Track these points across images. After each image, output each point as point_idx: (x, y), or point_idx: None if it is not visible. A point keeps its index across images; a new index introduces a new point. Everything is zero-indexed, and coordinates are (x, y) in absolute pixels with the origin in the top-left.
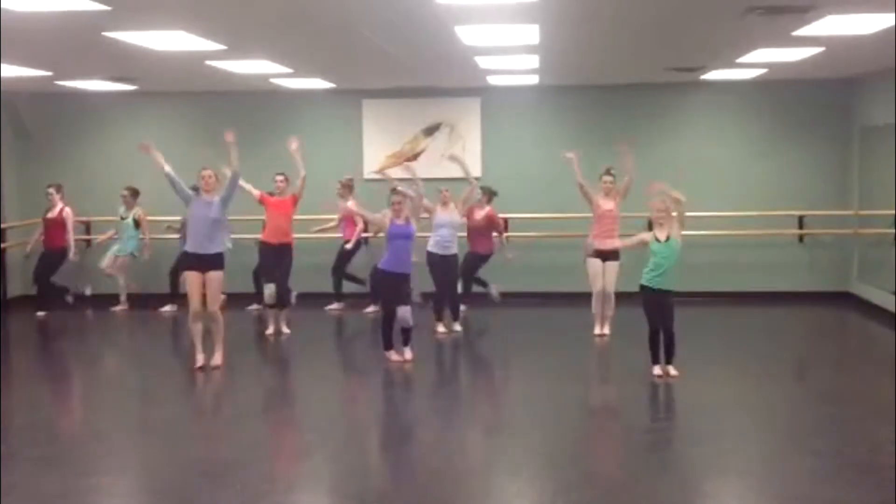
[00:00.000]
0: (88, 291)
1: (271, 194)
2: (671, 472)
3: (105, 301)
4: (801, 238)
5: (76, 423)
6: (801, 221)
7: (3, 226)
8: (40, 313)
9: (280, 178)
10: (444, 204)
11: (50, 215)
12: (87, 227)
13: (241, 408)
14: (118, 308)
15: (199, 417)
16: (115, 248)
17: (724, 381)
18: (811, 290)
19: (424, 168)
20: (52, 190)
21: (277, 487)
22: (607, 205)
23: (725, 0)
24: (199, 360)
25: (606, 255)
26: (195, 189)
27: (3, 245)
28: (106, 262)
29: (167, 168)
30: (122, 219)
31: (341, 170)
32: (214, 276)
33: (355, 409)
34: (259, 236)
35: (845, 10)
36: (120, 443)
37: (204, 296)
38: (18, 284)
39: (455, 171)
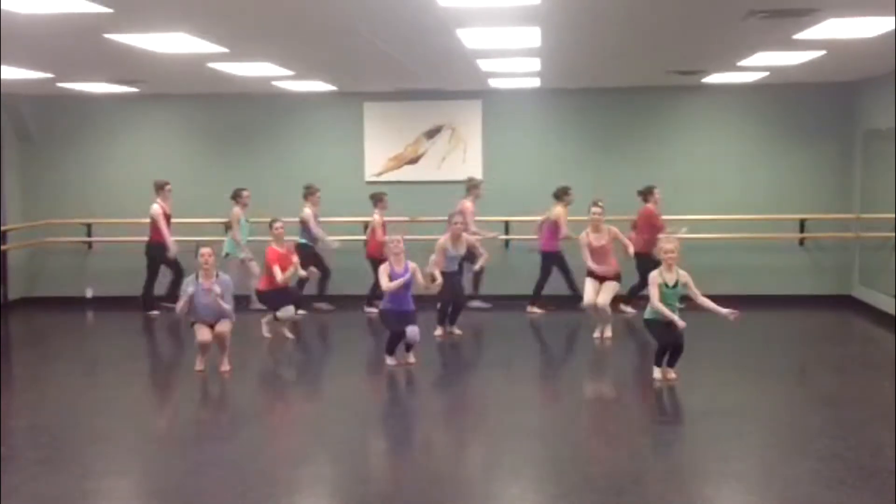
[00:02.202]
0: (90, 294)
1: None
2: (672, 476)
3: (106, 303)
4: (802, 241)
5: (77, 426)
6: (802, 225)
7: (4, 228)
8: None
9: (279, 224)
10: (456, 238)
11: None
12: (89, 230)
13: (242, 410)
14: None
15: (200, 420)
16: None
17: (725, 384)
18: (812, 293)
19: (425, 171)
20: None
21: (279, 490)
22: (599, 241)
23: (727, 3)
24: (200, 365)
25: (604, 277)
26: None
27: (4, 247)
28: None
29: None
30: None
31: (343, 172)
32: (226, 324)
33: (356, 412)
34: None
35: (846, 14)
36: (121, 445)
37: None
38: (20, 286)
39: (455, 174)
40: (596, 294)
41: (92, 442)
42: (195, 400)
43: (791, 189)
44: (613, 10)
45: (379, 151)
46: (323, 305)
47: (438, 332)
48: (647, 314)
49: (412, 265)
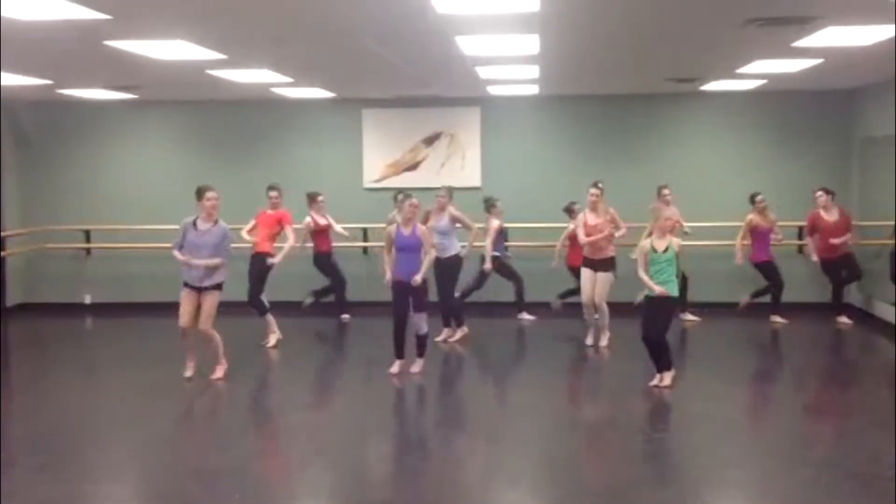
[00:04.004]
0: (88, 300)
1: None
2: (670, 484)
3: (104, 310)
4: (800, 249)
5: (75, 431)
6: (800, 232)
7: (3, 233)
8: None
9: (274, 193)
10: (440, 209)
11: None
12: (87, 236)
13: (240, 415)
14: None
15: (198, 425)
16: None
17: (722, 391)
18: (811, 300)
19: (424, 178)
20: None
21: (277, 495)
22: (593, 220)
23: (725, 11)
24: (189, 370)
25: (597, 266)
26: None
27: (3, 253)
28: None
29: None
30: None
31: (342, 179)
32: (210, 295)
33: (355, 418)
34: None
35: (845, 22)
36: (120, 451)
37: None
38: (18, 292)
39: (454, 181)
40: (591, 289)
41: (90, 448)
42: (194, 405)
43: (789, 196)
44: (612, 18)
45: (378, 158)
46: (524, 315)
47: (441, 336)
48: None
49: (421, 228)
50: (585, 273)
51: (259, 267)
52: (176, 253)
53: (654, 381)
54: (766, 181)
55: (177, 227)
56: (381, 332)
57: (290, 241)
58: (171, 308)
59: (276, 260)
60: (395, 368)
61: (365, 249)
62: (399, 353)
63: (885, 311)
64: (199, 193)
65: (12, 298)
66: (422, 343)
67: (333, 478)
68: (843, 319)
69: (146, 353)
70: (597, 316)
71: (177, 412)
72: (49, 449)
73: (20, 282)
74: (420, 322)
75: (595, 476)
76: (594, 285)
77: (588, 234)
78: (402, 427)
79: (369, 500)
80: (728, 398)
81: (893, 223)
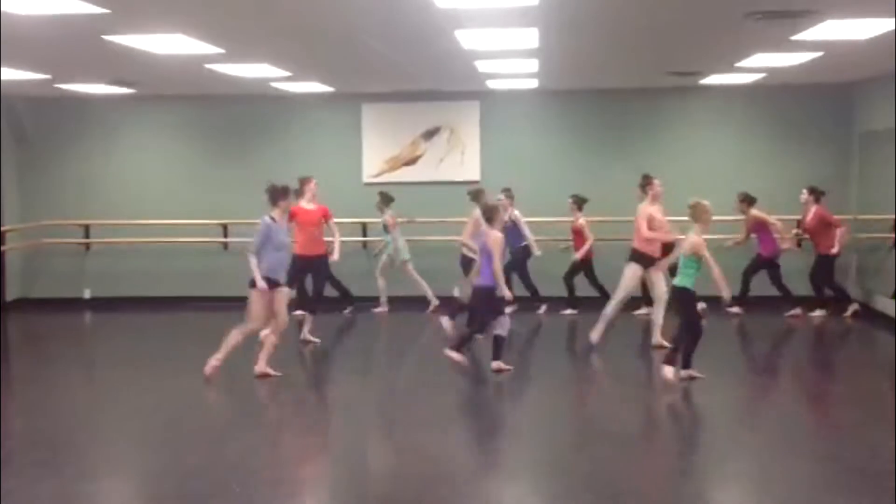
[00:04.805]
0: (88, 295)
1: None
2: (670, 478)
3: (104, 305)
4: (799, 244)
5: (75, 428)
6: (799, 226)
7: (2, 229)
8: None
9: (314, 182)
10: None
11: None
12: (87, 231)
13: (243, 412)
14: (378, 310)
15: (199, 422)
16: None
17: (722, 386)
18: (809, 294)
19: (423, 172)
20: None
21: (279, 492)
22: (659, 214)
23: (724, 5)
24: (214, 371)
25: (648, 263)
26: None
27: (2, 248)
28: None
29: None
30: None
31: (340, 174)
32: (286, 290)
33: (357, 414)
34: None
35: (844, 15)
36: (120, 447)
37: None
38: (17, 288)
39: (453, 176)
40: (632, 289)
41: (90, 444)
42: (194, 401)
43: (788, 190)
44: (611, 12)
45: (377, 153)
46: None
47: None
48: (689, 284)
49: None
50: (638, 272)
51: (325, 270)
52: (252, 259)
53: (683, 374)
54: (766, 175)
55: (177, 222)
56: (386, 328)
57: (337, 235)
58: (171, 303)
59: (336, 257)
60: (455, 356)
61: (364, 244)
62: (460, 346)
63: (886, 305)
64: (285, 192)
65: (12, 293)
66: (499, 345)
67: (334, 474)
68: (847, 314)
69: (146, 349)
70: (644, 311)
71: (177, 407)
72: (48, 445)
73: (19, 277)
74: (503, 323)
75: (595, 470)
76: (656, 285)
77: (660, 228)
78: (405, 421)
79: (371, 496)
80: (727, 391)
81: (893, 217)
